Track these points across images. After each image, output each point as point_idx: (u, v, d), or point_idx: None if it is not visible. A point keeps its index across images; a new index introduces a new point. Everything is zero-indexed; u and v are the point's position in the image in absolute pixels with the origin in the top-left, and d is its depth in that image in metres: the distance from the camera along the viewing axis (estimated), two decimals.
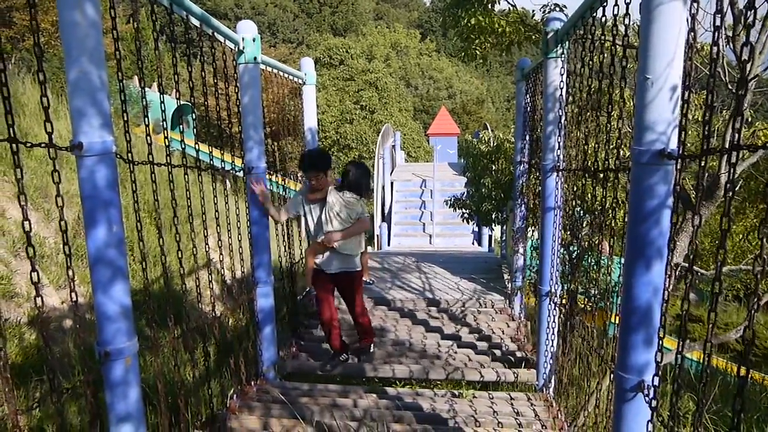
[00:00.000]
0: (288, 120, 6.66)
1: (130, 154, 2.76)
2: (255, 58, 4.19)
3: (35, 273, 2.05)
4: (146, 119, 2.97)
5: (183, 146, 3.65)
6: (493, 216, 7.79)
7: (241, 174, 4.49)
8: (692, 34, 1.92)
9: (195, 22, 3.36)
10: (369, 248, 10.45)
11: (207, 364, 4.63)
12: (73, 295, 2.27)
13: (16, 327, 5.26)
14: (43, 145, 2.04)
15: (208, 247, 4.23)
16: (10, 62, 17.00)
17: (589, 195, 3.82)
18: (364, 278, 4.99)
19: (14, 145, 1.93)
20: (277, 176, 5.70)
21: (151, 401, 3.85)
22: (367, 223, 4.63)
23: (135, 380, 2.39)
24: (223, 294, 7.46)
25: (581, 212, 4.71)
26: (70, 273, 2.24)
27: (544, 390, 4.42)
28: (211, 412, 3.94)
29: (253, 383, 4.52)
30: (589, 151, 3.29)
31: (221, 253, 4.04)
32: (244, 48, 4.14)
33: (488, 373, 4.72)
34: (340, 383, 4.75)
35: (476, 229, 14.82)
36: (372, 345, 5.15)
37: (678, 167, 1.99)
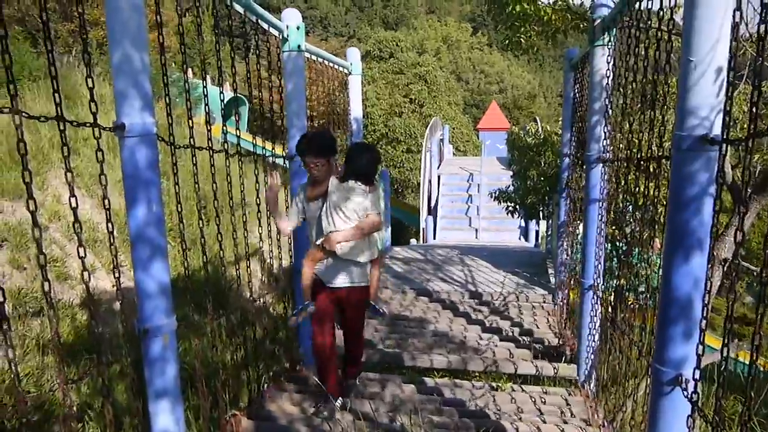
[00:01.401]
0: (336, 112, 6.69)
1: (191, 140, 2.87)
2: (299, 46, 4.22)
3: (82, 248, 2.12)
4: (205, 110, 3.09)
5: (223, 136, 3.74)
6: (539, 209, 7.69)
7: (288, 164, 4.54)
8: (738, 13, 1.85)
9: (239, 8, 3.41)
10: (396, 249, 10.14)
11: (248, 349, 4.71)
12: (116, 271, 2.34)
13: (68, 307, 5.45)
14: (88, 124, 2.10)
15: (247, 234, 4.29)
16: (71, 54, 17.58)
17: (635, 186, 3.73)
18: (369, 299, 3.97)
19: (61, 124, 2.00)
20: None
21: (193, 383, 3.93)
22: (379, 221, 3.64)
23: (173, 357, 2.44)
24: (269, 282, 7.58)
25: (628, 206, 4.60)
26: (113, 249, 2.31)
27: (585, 385, 4.34)
28: (250, 396, 4.01)
29: (292, 369, 4.58)
30: (635, 141, 3.21)
31: (264, 241, 4.12)
32: (288, 36, 4.17)
33: (528, 366, 4.66)
34: (379, 372, 4.76)
35: (523, 224, 14.64)
36: (357, 375, 4.25)
37: (722, 153, 1.92)
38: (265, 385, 4.21)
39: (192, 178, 3.36)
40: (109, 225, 2.29)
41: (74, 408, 4.29)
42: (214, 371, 3.89)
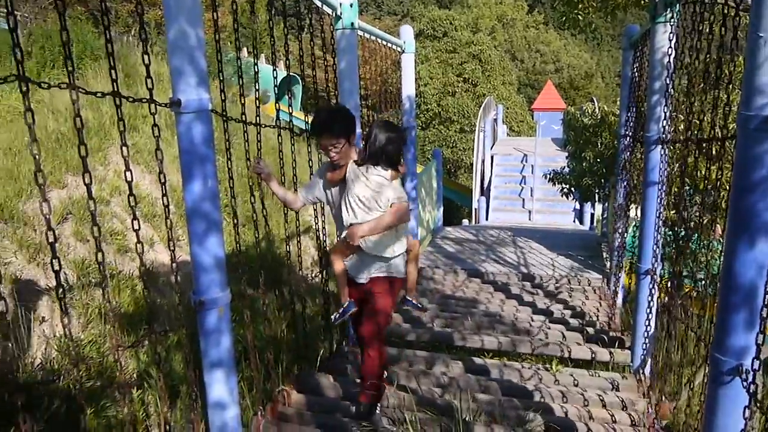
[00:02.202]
0: (389, 91, 6.68)
1: (243, 116, 2.92)
2: (352, 24, 4.21)
3: (136, 221, 2.19)
4: (256, 88, 3.16)
5: (277, 114, 3.77)
6: (594, 192, 7.52)
7: None
8: None
9: None
10: (448, 229, 10.16)
11: (299, 324, 4.76)
12: (172, 244, 2.40)
13: (129, 279, 5.63)
14: (144, 100, 2.15)
15: (298, 211, 4.34)
16: (130, 34, 17.97)
17: (696, 169, 3.61)
18: (406, 295, 3.63)
19: (117, 99, 2.05)
20: None
21: (246, 356, 4.02)
22: (405, 211, 3.21)
23: (227, 329, 2.51)
24: (321, 259, 7.66)
25: (689, 189, 4.46)
26: (168, 223, 2.38)
27: (639, 372, 4.25)
28: (300, 370, 4.09)
29: (344, 344, 4.64)
30: (697, 122, 3.10)
31: (318, 218, 4.16)
32: (341, 13, 4.16)
33: (581, 350, 4.60)
34: (428, 350, 4.77)
35: (578, 206, 14.37)
36: (376, 407, 3.44)
37: None
38: (316, 360, 4.27)
39: (245, 156, 3.41)
40: (165, 199, 2.35)
41: (132, 375, 4.46)
42: (266, 345, 3.97)
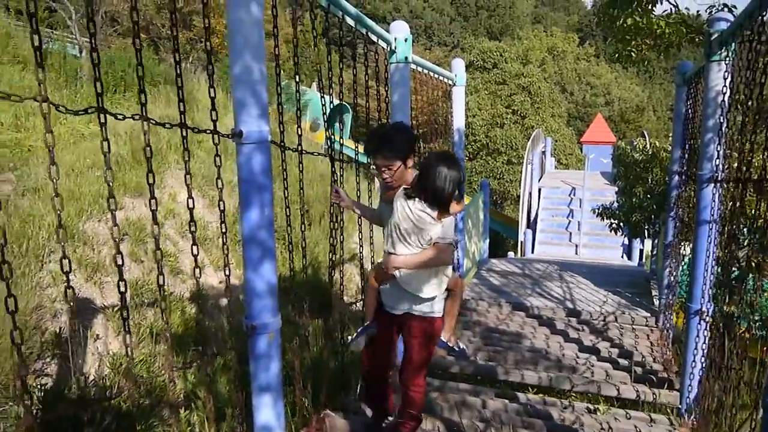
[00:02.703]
0: (439, 122, 6.76)
1: (300, 146, 3.05)
2: (406, 58, 4.31)
3: (195, 246, 2.28)
4: (309, 116, 3.28)
5: (328, 142, 3.87)
6: (644, 228, 7.42)
7: None
8: None
9: (350, 21, 3.53)
10: (494, 261, 10.08)
11: (343, 350, 4.80)
12: (227, 270, 2.49)
13: (179, 301, 5.79)
14: (208, 131, 2.26)
15: (343, 238, 4.41)
16: (188, 61, 18.61)
17: (752, 209, 3.55)
18: (445, 339, 3.31)
19: (183, 130, 2.17)
20: None
21: (291, 380, 4.08)
22: (447, 254, 3.03)
23: (276, 354, 2.57)
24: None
25: (744, 229, 4.37)
26: (225, 249, 2.47)
27: (686, 415, 4.16)
28: (344, 395, 4.12)
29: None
30: (753, 161, 3.07)
31: (364, 245, 4.22)
32: (395, 47, 4.27)
33: (626, 390, 4.52)
34: (471, 383, 4.75)
35: (626, 242, 14.13)
36: None
37: None
38: (359, 386, 4.31)
39: (297, 183, 3.50)
40: (223, 226, 2.45)
41: (180, 396, 4.57)
42: (310, 369, 4.03)
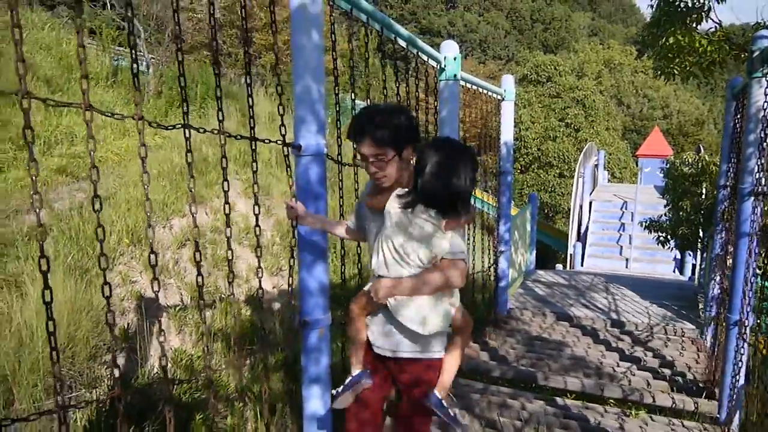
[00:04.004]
0: (491, 136, 6.95)
1: (355, 159, 3.29)
2: (455, 76, 4.54)
3: (255, 253, 2.56)
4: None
5: None
6: (692, 241, 7.42)
7: None
8: None
9: (402, 43, 3.78)
10: (540, 272, 10.00)
11: None
12: (286, 274, 2.75)
13: (234, 304, 6.13)
14: (278, 142, 2.56)
15: None
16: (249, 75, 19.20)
17: None
18: (440, 396, 2.37)
19: (252, 144, 2.47)
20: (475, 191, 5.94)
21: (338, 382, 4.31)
22: (458, 273, 2.20)
23: (326, 349, 2.81)
24: None
25: None
26: (288, 260, 2.73)
27: (725, 425, 4.22)
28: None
29: None
30: None
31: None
32: (445, 66, 4.51)
33: (665, 398, 4.60)
34: (512, 387, 4.91)
35: (679, 256, 13.94)
36: None
37: None
38: None
39: (350, 194, 3.75)
40: (293, 238, 2.73)
41: (230, 391, 4.87)
42: None
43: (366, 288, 2.40)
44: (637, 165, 27.63)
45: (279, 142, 2.57)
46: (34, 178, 1.55)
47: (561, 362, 5.30)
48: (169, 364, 5.03)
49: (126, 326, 4.96)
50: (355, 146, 2.27)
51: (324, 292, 2.75)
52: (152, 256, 2.09)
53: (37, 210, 1.61)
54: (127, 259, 5.60)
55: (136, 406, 4.14)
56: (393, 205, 2.22)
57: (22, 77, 1.42)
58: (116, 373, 1.99)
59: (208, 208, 7.08)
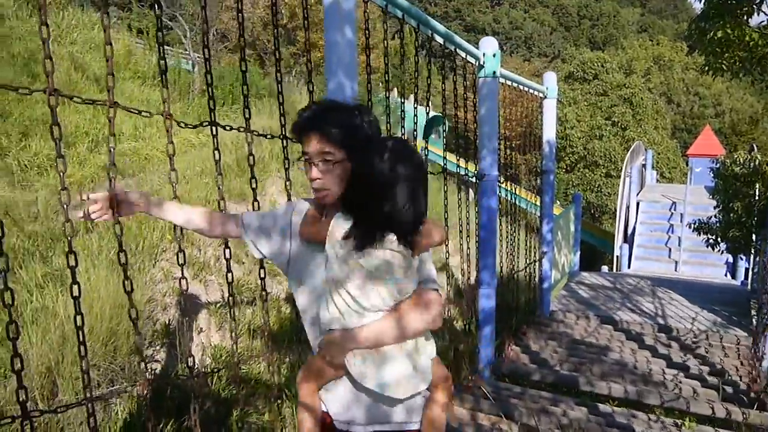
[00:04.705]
0: (532, 134, 6.84)
1: None
2: (494, 73, 4.46)
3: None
4: (402, 128, 3.49)
5: (426, 153, 4.07)
6: (743, 244, 7.15)
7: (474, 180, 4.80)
8: None
9: (439, 39, 3.73)
10: (584, 274, 9.94)
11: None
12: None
13: (275, 300, 6.17)
14: None
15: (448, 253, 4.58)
16: (291, 74, 19.42)
17: None
18: None
19: (284, 141, 2.45)
20: (508, 183, 5.83)
21: None
22: (436, 306, 1.72)
23: None
24: (454, 296, 7.86)
25: None
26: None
27: None
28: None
29: (467, 378, 4.79)
30: None
31: (453, 255, 4.39)
32: (484, 63, 4.43)
33: (713, 408, 4.43)
34: (553, 392, 4.80)
35: (731, 259, 13.49)
36: None
37: None
38: None
39: None
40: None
41: (264, 388, 4.89)
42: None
43: (318, 348, 1.74)
44: (687, 165, 26.93)
45: None
46: (62, 174, 1.56)
47: (604, 367, 5.16)
48: (209, 360, 5.08)
49: (167, 321, 5.02)
50: (300, 143, 1.76)
51: None
52: (180, 255, 2.09)
53: (65, 206, 1.62)
54: (170, 255, 5.67)
55: (176, 399, 4.19)
56: (337, 240, 1.63)
57: (49, 74, 1.42)
58: (142, 366, 1.99)
59: (250, 205, 7.15)
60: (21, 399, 1.68)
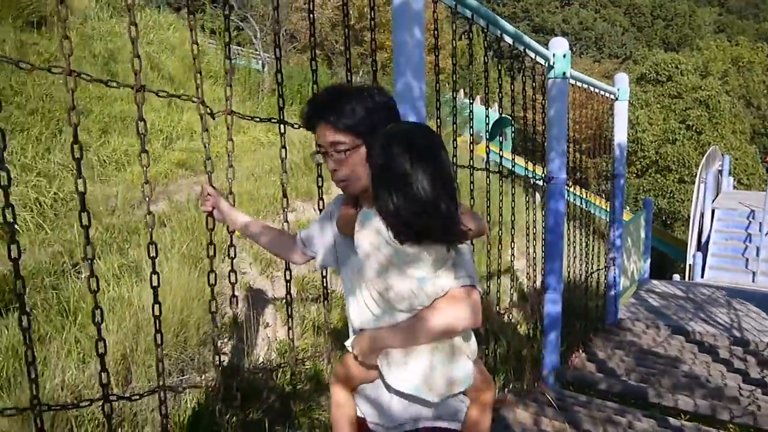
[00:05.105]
0: (602, 136, 6.69)
1: (454, 158, 3.22)
2: (564, 74, 4.38)
3: None
4: (471, 129, 3.47)
5: (500, 157, 4.03)
6: None
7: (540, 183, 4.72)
8: None
9: (508, 39, 3.69)
10: (655, 282, 9.65)
11: (491, 359, 4.91)
12: None
13: (339, 298, 6.23)
14: None
15: (501, 249, 4.54)
16: (358, 75, 19.59)
17: None
18: None
19: None
20: (577, 188, 5.74)
21: None
22: (472, 305, 1.57)
23: None
24: (518, 300, 7.76)
25: None
26: None
27: None
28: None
29: (531, 384, 4.72)
30: None
31: (518, 259, 4.33)
32: (554, 63, 4.36)
33: None
34: (619, 402, 4.67)
35: None
36: None
37: None
38: (506, 394, 4.41)
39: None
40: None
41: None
42: None
43: (348, 347, 1.66)
44: (766, 171, 25.75)
45: None
46: (145, 168, 1.62)
47: (675, 379, 4.98)
48: (274, 354, 5.18)
49: (234, 315, 5.14)
50: (315, 136, 1.69)
51: None
52: (232, 249, 2.13)
53: (147, 198, 1.68)
54: (238, 251, 5.80)
55: (244, 391, 4.28)
56: (364, 234, 1.55)
57: (137, 72, 1.48)
58: (216, 360, 2.05)
59: (316, 204, 7.24)
60: (102, 381, 1.75)
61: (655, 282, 9.32)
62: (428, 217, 1.43)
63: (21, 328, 1.52)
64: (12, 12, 8.05)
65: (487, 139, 3.75)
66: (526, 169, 4.50)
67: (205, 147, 1.82)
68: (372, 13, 2.56)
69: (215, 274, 1.99)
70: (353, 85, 1.75)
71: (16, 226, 1.60)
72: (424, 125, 1.61)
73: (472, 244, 1.70)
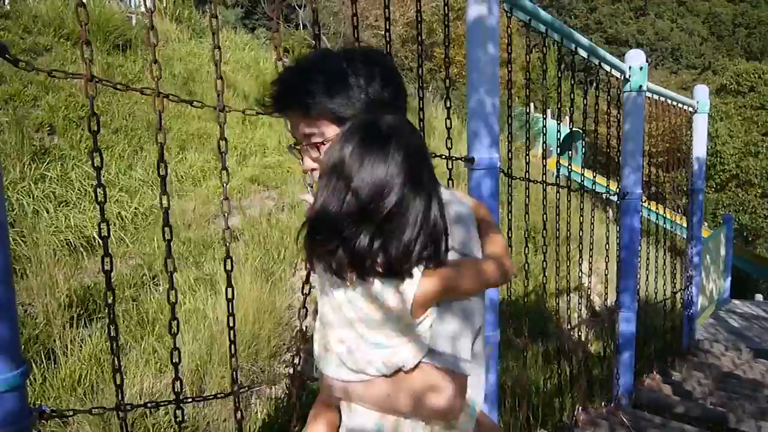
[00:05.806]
0: (681, 151, 6.49)
1: (527, 174, 3.20)
2: (640, 87, 4.28)
3: None
4: (544, 144, 3.45)
5: (569, 171, 3.98)
6: None
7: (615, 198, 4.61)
8: None
9: (582, 53, 3.64)
10: (736, 302, 9.15)
11: (562, 377, 4.80)
12: None
13: None
14: (443, 157, 2.56)
15: (569, 265, 4.45)
16: (428, 90, 19.66)
17: None
18: None
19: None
20: (651, 203, 5.57)
21: (507, 402, 4.21)
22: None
23: (494, 366, 2.75)
24: (590, 317, 7.57)
25: None
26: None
27: None
28: (559, 421, 4.16)
29: (604, 405, 4.59)
30: None
31: (589, 276, 4.24)
32: (630, 77, 4.27)
33: None
34: (697, 426, 4.48)
35: None
36: None
37: None
38: (580, 413, 4.30)
39: (523, 208, 3.62)
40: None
41: None
42: (526, 392, 4.14)
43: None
44: None
45: (443, 156, 2.56)
46: (225, 185, 1.68)
47: (758, 405, 4.75)
48: None
49: (304, 329, 5.22)
50: (286, 120, 1.35)
51: (494, 308, 2.70)
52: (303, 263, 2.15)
53: (225, 213, 1.74)
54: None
55: (309, 405, 4.33)
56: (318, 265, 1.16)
57: (220, 93, 1.54)
58: (290, 371, 2.08)
59: None
60: (175, 389, 1.82)
61: (736, 302, 8.93)
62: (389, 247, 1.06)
63: (109, 337, 1.60)
64: (100, 36, 8.50)
65: (558, 154, 3.72)
66: (597, 183, 4.40)
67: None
68: (446, 30, 2.58)
69: (309, 285, 2.04)
70: (332, 51, 1.34)
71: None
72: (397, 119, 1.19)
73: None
